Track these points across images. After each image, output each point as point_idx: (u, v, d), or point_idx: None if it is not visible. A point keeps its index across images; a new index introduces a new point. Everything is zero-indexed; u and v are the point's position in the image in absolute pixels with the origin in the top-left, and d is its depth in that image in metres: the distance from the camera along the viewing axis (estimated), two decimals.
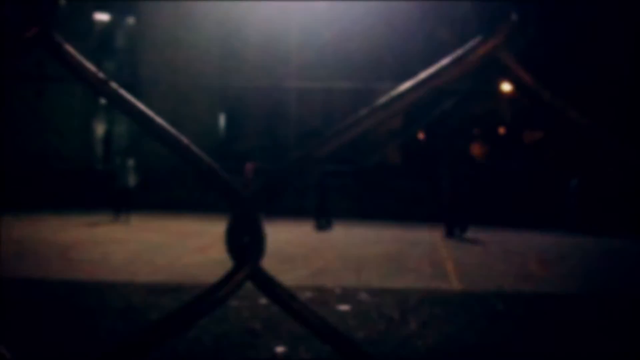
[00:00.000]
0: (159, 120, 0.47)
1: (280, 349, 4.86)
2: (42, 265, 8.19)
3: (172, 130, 0.46)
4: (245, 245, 0.44)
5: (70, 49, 0.46)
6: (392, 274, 8.46)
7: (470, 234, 12.81)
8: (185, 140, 0.46)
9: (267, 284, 0.45)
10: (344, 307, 6.32)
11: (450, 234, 12.59)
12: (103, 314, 5.90)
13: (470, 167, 13.82)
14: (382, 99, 0.41)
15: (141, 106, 0.47)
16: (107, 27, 18.43)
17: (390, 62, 16.50)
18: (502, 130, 17.48)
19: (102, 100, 12.85)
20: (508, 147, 16.74)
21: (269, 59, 16.26)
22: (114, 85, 0.47)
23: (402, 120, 16.84)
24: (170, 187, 16.04)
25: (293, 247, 11.00)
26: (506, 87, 16.41)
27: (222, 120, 18.24)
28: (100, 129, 18.38)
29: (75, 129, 17.37)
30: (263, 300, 6.67)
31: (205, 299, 0.45)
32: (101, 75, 0.47)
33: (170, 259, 9.19)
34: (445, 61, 0.40)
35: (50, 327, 5.41)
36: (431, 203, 14.30)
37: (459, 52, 0.40)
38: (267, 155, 16.82)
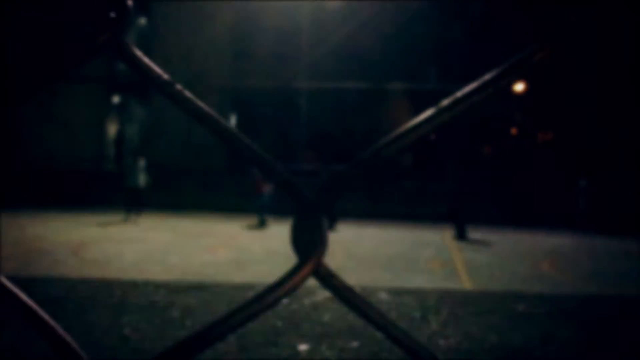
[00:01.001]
0: (223, 121, 0.49)
1: (303, 347, 4.90)
2: (57, 264, 8.28)
3: (235, 131, 0.48)
4: (308, 242, 0.46)
5: (138, 52, 0.47)
6: (405, 275, 8.47)
7: (481, 234, 12.78)
8: (248, 140, 0.48)
9: (329, 280, 0.46)
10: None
11: (461, 235, 12.55)
12: (126, 311, 5.98)
13: (480, 168, 13.79)
14: (446, 101, 0.42)
15: (206, 108, 0.49)
16: None
17: (401, 62, 16.49)
18: (512, 130, 17.42)
19: (115, 101, 12.88)
20: (519, 148, 16.67)
21: (281, 59, 16.29)
22: (179, 86, 0.49)
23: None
24: (181, 187, 16.12)
25: None
26: (518, 87, 16.36)
27: (233, 120, 18.32)
28: (112, 129, 18.49)
29: (87, 130, 17.49)
30: (284, 299, 6.71)
31: (271, 294, 0.46)
32: (167, 77, 0.49)
33: (182, 258, 9.23)
34: (506, 65, 0.41)
35: (77, 324, 5.49)
36: (441, 204, 14.27)
37: (518, 56, 0.41)
38: (278, 155, 16.87)
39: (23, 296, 0.48)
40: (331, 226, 13.65)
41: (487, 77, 0.41)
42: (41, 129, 17.12)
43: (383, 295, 6.90)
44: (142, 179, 13.84)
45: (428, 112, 0.42)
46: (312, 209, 0.46)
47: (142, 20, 18.46)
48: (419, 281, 7.94)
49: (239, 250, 10.38)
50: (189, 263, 8.82)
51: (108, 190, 15.07)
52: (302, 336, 5.18)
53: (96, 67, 16.34)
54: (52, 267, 7.99)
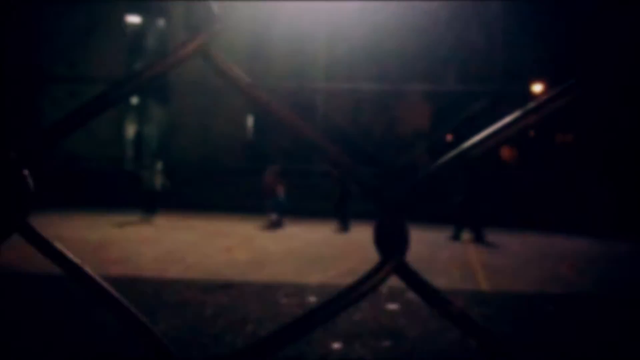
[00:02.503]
0: (305, 124, 0.50)
1: (336, 345, 4.93)
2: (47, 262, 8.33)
3: (318, 134, 0.50)
4: (391, 241, 0.47)
5: (221, 58, 0.49)
6: (425, 277, 8.42)
7: (498, 237, 12.68)
8: (333, 146, 0.49)
9: (411, 277, 0.48)
10: (393, 306, 6.35)
11: (479, 238, 12.45)
12: (159, 309, 6.08)
13: (498, 170, 13.69)
14: (532, 103, 0.43)
15: (287, 110, 0.51)
16: (139, 29, 18.72)
17: (418, 64, 16.45)
18: (531, 132, 17.29)
19: (134, 102, 12.97)
20: (537, 150, 16.54)
21: (297, 60, 16.34)
22: (261, 90, 0.51)
23: (430, 122, 16.76)
24: (199, 188, 16.22)
25: (320, 247, 11.05)
26: (536, 88, 16.24)
27: (250, 121, 18.39)
28: (131, 130, 18.66)
29: (106, 130, 17.67)
30: (312, 298, 6.78)
31: (355, 290, 0.48)
32: (249, 81, 0.50)
33: (200, 258, 9.29)
34: (592, 71, 0.42)
35: (113, 320, 5.57)
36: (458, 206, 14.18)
37: (603, 64, 0.42)
38: (294, 156, 16.90)
39: (118, 296, 0.50)
40: (345, 227, 13.63)
41: (573, 81, 0.41)
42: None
43: (411, 295, 6.90)
44: (159, 182, 13.94)
45: (515, 114, 0.43)
46: (394, 210, 0.47)
47: (161, 22, 18.60)
48: (439, 283, 7.92)
49: (257, 250, 10.41)
50: (208, 263, 8.87)
51: (127, 191, 15.20)
52: (335, 335, 5.21)
53: (115, 68, 16.51)
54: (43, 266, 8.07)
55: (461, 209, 12.67)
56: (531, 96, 16.76)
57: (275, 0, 16.12)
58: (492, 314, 6.31)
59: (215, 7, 0.48)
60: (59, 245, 0.53)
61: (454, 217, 12.81)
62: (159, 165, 14.03)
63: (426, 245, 11.71)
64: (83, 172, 17.03)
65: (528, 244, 12.51)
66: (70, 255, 0.53)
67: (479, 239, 12.43)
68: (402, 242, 0.47)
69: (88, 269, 0.53)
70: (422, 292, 0.47)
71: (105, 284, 0.50)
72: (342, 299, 0.48)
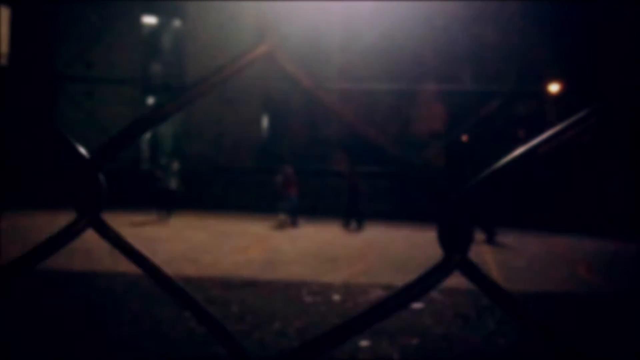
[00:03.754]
0: (364, 123, 0.52)
1: (364, 343, 4.96)
2: (93, 262, 8.44)
3: (378, 133, 0.51)
4: (454, 238, 0.49)
5: (288, 60, 0.51)
6: None
7: (512, 238, 12.62)
8: (391, 140, 0.51)
9: (474, 273, 0.49)
10: (418, 305, 6.37)
11: (490, 240, 12.38)
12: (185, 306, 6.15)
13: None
14: (599, 103, 0.45)
15: (348, 110, 0.52)
16: (155, 29, 18.86)
17: (433, 64, 16.40)
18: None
19: (149, 102, 13.09)
20: (555, 149, 16.39)
21: (312, 60, 16.36)
22: (324, 91, 0.52)
23: (446, 122, 16.70)
24: (213, 188, 16.30)
25: (334, 247, 11.08)
26: (552, 87, 16.12)
27: (265, 121, 18.45)
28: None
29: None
30: (336, 297, 6.83)
31: (419, 285, 0.49)
32: (314, 80, 0.52)
33: (215, 258, 9.34)
34: None
35: (143, 317, 5.71)
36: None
37: None
38: (308, 156, 16.93)
39: (192, 295, 0.52)
40: (359, 227, 13.64)
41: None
42: (79, 130, 17.50)
43: (435, 294, 6.89)
44: (174, 182, 14.04)
45: (581, 113, 0.45)
46: (458, 208, 0.48)
47: (177, 23, 18.72)
48: (453, 282, 7.89)
49: (271, 250, 10.45)
50: (222, 262, 8.92)
51: (142, 191, 15.31)
52: (363, 333, 5.24)
53: (131, 69, 16.65)
54: (91, 265, 8.18)
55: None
56: (547, 96, 16.64)
57: (290, 0, 16.15)
58: (495, 311, 6.31)
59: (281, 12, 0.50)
60: (129, 241, 0.55)
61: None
62: (175, 166, 14.12)
63: (439, 246, 11.65)
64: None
65: (544, 245, 12.44)
66: (139, 250, 0.55)
67: (490, 240, 12.36)
68: (465, 239, 0.49)
69: (153, 262, 0.55)
70: (486, 288, 0.49)
71: (175, 280, 0.52)
72: (406, 294, 0.50)
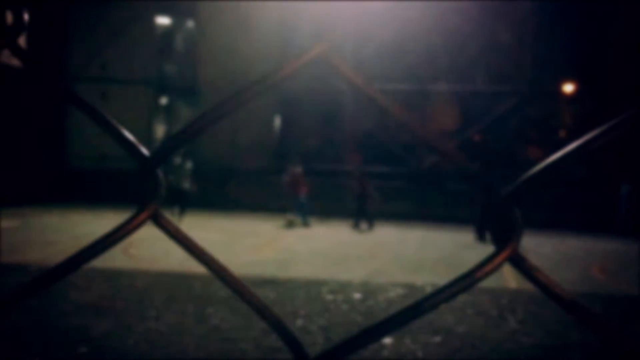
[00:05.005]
0: (418, 123, 0.54)
1: (387, 340, 5.01)
2: (106, 261, 8.51)
3: (431, 132, 0.53)
4: (505, 232, 0.51)
5: (342, 62, 0.53)
6: (450, 277, 8.41)
7: (527, 238, 12.50)
8: (447, 143, 0.53)
9: (524, 266, 0.51)
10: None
11: (481, 238, 12.37)
12: (210, 302, 6.29)
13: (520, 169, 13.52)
14: None
15: (402, 109, 0.54)
16: (168, 30, 18.97)
17: (446, 64, 16.36)
18: (561, 133, 17.06)
19: (162, 102, 13.16)
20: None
21: (325, 61, 16.37)
22: (377, 91, 0.55)
23: (458, 122, 16.65)
24: (226, 188, 16.37)
25: (346, 247, 11.09)
26: (567, 88, 16.03)
27: (277, 121, 18.49)
28: (160, 130, 18.91)
29: (136, 130, 17.89)
30: (357, 295, 6.87)
31: (468, 278, 0.51)
32: (366, 79, 0.54)
33: (228, 258, 9.37)
34: None
35: (168, 314, 5.80)
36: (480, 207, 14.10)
37: None
38: (321, 156, 16.95)
39: (255, 293, 0.54)
40: (370, 226, 13.64)
41: None
42: (93, 130, 17.65)
43: None
44: (187, 182, 14.06)
45: (629, 113, 0.46)
46: (508, 203, 0.50)
47: (190, 24, 18.81)
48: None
49: (284, 250, 10.48)
50: (235, 262, 8.96)
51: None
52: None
53: (145, 69, 16.77)
54: (105, 264, 8.27)
55: (482, 209, 12.58)
56: (561, 96, 16.54)
57: (301, 1, 16.18)
58: (538, 312, 6.32)
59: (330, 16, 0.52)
60: (186, 234, 0.58)
61: (477, 218, 12.75)
62: (188, 166, 14.17)
63: (454, 246, 11.68)
64: (114, 171, 17.32)
65: (557, 245, 12.37)
66: (197, 244, 0.58)
67: (481, 238, 12.37)
68: (515, 233, 0.51)
69: (211, 256, 0.58)
70: (536, 280, 0.51)
71: (234, 275, 0.54)
72: (455, 286, 0.52)
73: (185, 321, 5.61)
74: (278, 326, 0.56)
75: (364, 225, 13.79)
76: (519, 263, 0.51)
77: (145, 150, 0.58)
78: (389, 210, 15.53)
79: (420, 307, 0.53)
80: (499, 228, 0.51)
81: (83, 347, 4.77)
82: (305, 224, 13.92)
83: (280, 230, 13.35)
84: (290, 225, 13.87)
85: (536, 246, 11.99)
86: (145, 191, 0.56)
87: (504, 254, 0.51)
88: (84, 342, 4.89)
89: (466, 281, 0.52)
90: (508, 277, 8.14)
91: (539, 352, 5.07)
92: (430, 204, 15.98)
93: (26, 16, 0.61)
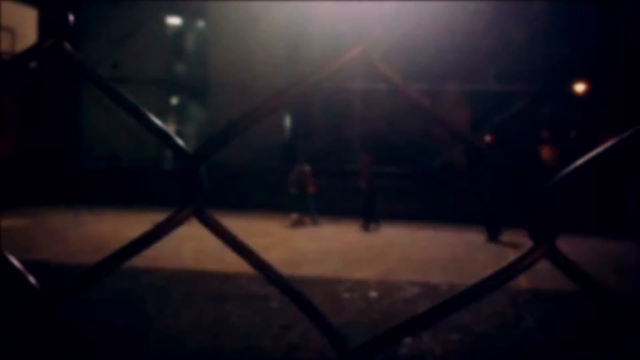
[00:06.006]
0: (455, 121, 0.55)
1: (405, 338, 5.04)
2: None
3: (466, 128, 0.54)
4: (542, 228, 0.52)
5: (382, 63, 0.54)
6: (466, 276, 8.42)
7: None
8: (481, 140, 0.54)
9: (562, 261, 0.52)
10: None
11: (491, 237, 12.31)
12: (228, 301, 6.37)
13: (539, 171, 13.45)
14: None
15: (439, 109, 0.55)
16: (179, 30, 19.05)
17: (457, 63, 16.30)
18: (574, 133, 16.95)
19: (173, 102, 13.22)
20: (579, 150, 16.17)
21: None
22: (416, 90, 0.56)
23: (469, 122, 16.59)
24: (235, 187, 16.40)
25: (356, 247, 11.10)
26: (579, 88, 15.93)
27: (287, 121, 18.52)
28: (170, 129, 18.94)
29: (146, 130, 18.00)
30: (373, 294, 6.89)
31: (506, 272, 0.52)
32: (405, 80, 0.56)
33: (238, 257, 9.40)
34: None
35: (186, 311, 5.86)
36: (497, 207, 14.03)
37: None
38: (331, 156, 16.96)
39: (303, 293, 0.56)
40: (375, 227, 13.61)
41: None
42: (106, 129, 17.79)
43: None
44: None
45: None
46: (545, 199, 0.51)
47: (201, 24, 18.88)
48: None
49: (293, 249, 10.50)
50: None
51: (166, 189, 15.44)
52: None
53: (156, 69, 16.86)
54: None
55: (491, 208, 12.52)
56: (573, 96, 16.45)
57: (312, 1, 16.19)
58: (555, 311, 6.31)
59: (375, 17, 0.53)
60: (228, 230, 0.59)
61: (484, 217, 12.70)
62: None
63: (465, 246, 11.65)
64: (126, 170, 17.44)
65: (568, 246, 12.25)
66: (239, 239, 0.59)
67: (491, 238, 12.33)
68: (552, 229, 0.52)
69: (254, 251, 0.59)
70: (575, 276, 0.52)
71: (277, 270, 0.56)
72: (497, 277, 0.53)
73: (205, 318, 5.68)
74: (321, 321, 0.57)
75: (373, 224, 13.79)
76: (558, 257, 0.52)
77: (186, 148, 0.60)
78: (399, 210, 15.50)
79: (465, 296, 0.54)
80: (538, 223, 0.52)
81: (104, 342, 4.84)
82: (314, 223, 13.93)
83: (290, 229, 13.38)
84: (296, 224, 13.89)
85: None
86: (188, 188, 0.58)
87: (542, 248, 0.52)
88: (105, 337, 4.97)
89: (508, 273, 0.53)
90: (520, 279, 8.13)
91: (556, 351, 5.07)
92: (440, 204, 15.93)
93: (71, 17, 0.63)
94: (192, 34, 19.32)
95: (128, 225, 12.60)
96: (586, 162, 0.51)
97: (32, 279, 0.62)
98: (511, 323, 5.86)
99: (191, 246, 10.02)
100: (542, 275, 8.69)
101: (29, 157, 16.34)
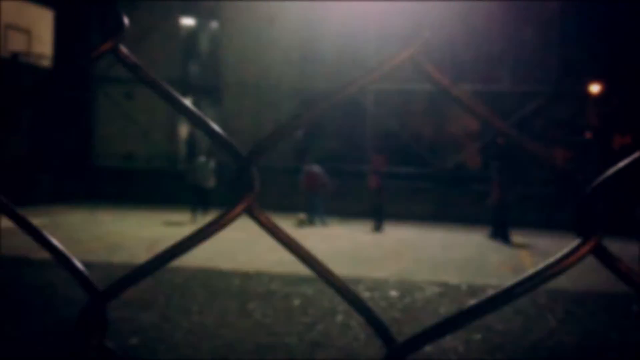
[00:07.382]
0: (499, 119, 0.57)
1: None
2: (133, 259, 8.64)
3: (509, 127, 0.56)
4: (588, 225, 0.54)
5: (431, 65, 0.56)
6: (479, 277, 8.40)
7: (552, 239, 12.44)
8: (520, 136, 0.56)
9: (608, 258, 0.54)
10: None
11: (495, 235, 12.35)
12: (250, 299, 6.47)
13: (550, 173, 13.35)
14: None
15: (487, 109, 0.57)
16: (193, 31, 19.15)
17: (469, 64, 16.26)
18: (587, 134, 16.83)
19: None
20: (594, 152, 16.08)
21: (347, 61, 16.40)
22: (462, 92, 0.58)
23: (481, 123, 16.52)
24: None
25: (367, 247, 11.10)
26: (593, 88, 15.82)
27: None
28: (184, 130, 19.09)
29: (161, 130, 18.14)
30: (394, 293, 6.91)
31: (552, 268, 0.54)
32: (452, 82, 0.57)
33: (250, 257, 9.44)
34: None
35: (211, 308, 5.94)
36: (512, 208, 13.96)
37: None
38: (342, 157, 16.97)
39: (350, 287, 0.58)
40: (380, 225, 13.56)
41: None
42: (119, 129, 17.92)
43: (491, 292, 6.91)
44: (210, 180, 14.13)
45: None
46: (593, 196, 0.53)
47: (214, 24, 18.96)
48: (493, 282, 7.89)
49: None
50: (258, 261, 9.02)
51: (178, 189, 15.54)
52: (423, 327, 5.36)
53: (169, 69, 16.93)
54: (132, 261, 8.39)
55: (499, 209, 12.50)
56: (588, 97, 16.33)
57: (325, 1, 16.21)
58: (578, 312, 6.30)
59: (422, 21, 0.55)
60: (278, 226, 0.61)
61: (492, 217, 12.70)
62: (212, 164, 14.24)
63: (478, 247, 11.61)
64: (139, 170, 17.55)
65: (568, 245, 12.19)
66: (289, 235, 0.61)
67: (495, 234, 12.31)
68: (599, 226, 0.53)
69: (307, 251, 0.61)
70: (620, 272, 0.53)
71: (330, 269, 0.58)
72: (543, 274, 0.54)
73: (229, 316, 5.74)
74: (370, 316, 0.59)
75: (383, 225, 13.76)
76: (603, 255, 0.54)
77: (239, 149, 0.62)
78: (412, 210, 15.48)
79: (511, 292, 0.56)
80: (584, 221, 0.54)
81: (134, 338, 4.91)
82: (323, 223, 13.93)
83: (301, 229, 13.40)
84: (303, 224, 13.90)
85: (562, 247, 11.85)
86: (241, 186, 0.60)
87: (588, 246, 0.54)
88: (134, 333, 5.03)
89: (553, 269, 0.55)
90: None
91: (578, 351, 5.06)
92: (453, 205, 15.89)
93: (126, 20, 0.65)
94: (206, 34, 19.41)
95: (138, 225, 12.72)
96: (629, 163, 0.53)
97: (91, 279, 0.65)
98: (533, 323, 5.88)
99: (203, 246, 10.05)
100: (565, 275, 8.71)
101: (43, 156, 16.50)
